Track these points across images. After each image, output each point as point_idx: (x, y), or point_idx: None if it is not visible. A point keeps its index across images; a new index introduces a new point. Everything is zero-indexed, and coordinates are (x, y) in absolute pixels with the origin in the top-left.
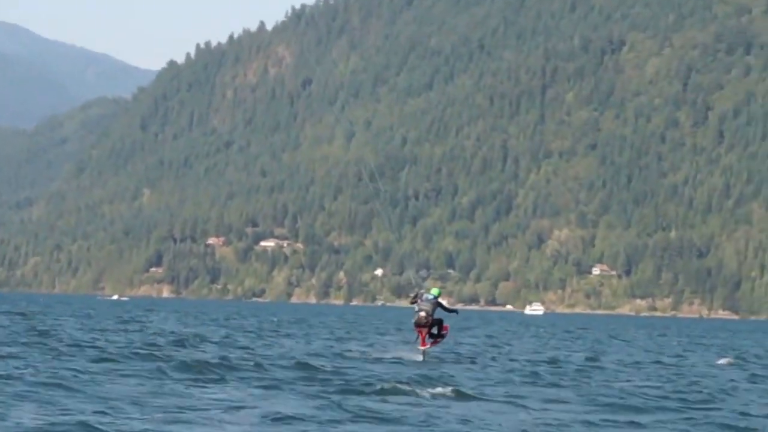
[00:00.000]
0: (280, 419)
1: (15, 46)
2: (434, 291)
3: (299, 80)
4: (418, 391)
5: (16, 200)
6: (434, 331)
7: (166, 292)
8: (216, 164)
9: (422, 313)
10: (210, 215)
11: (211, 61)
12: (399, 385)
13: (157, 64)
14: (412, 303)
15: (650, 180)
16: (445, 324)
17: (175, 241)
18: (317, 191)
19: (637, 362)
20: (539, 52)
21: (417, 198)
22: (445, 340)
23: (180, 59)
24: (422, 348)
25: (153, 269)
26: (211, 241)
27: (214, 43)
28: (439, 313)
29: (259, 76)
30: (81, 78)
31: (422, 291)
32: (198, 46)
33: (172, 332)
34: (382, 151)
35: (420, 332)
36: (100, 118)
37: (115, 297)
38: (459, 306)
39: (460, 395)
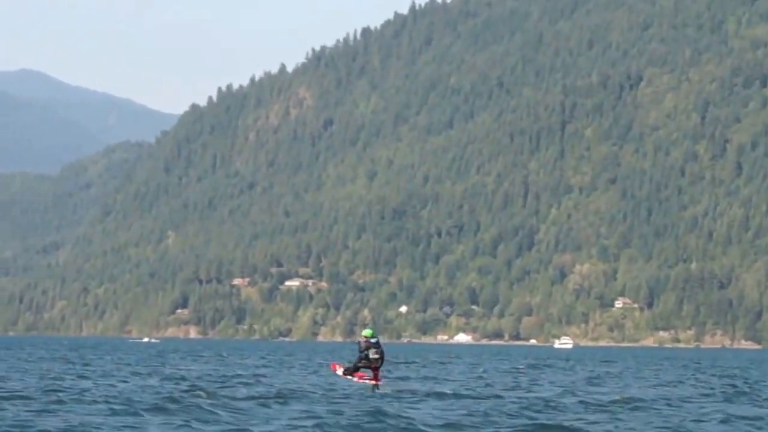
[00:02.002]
0: None
1: (38, 92)
2: (368, 332)
3: (321, 121)
4: None
5: (42, 245)
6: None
7: (192, 333)
8: (240, 206)
9: (377, 356)
10: (235, 256)
11: (233, 104)
12: None
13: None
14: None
15: (670, 213)
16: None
17: (200, 282)
18: (341, 230)
19: None
20: (558, 88)
21: (439, 235)
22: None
23: (202, 102)
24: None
25: (179, 311)
26: (236, 281)
27: (235, 86)
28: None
29: (280, 117)
30: (104, 123)
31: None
32: (219, 89)
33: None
34: (404, 189)
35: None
36: (123, 162)
37: (146, 339)
38: (484, 341)
39: None
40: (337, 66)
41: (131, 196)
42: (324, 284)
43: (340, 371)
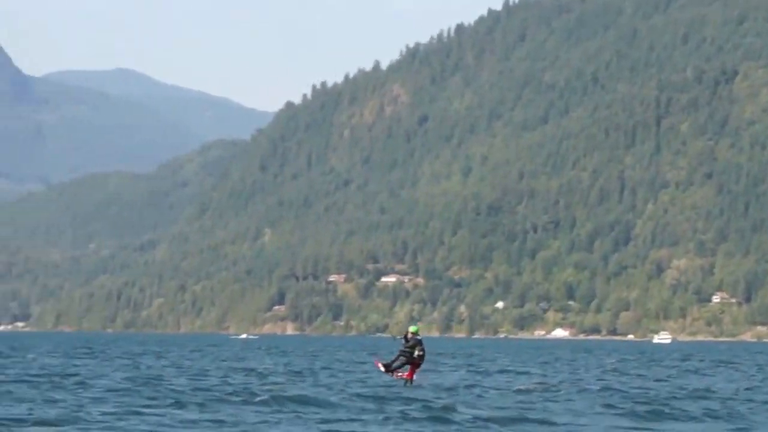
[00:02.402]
0: None
1: (135, 91)
2: (414, 328)
3: (415, 118)
4: None
5: (139, 243)
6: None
7: (289, 330)
8: (335, 203)
9: (421, 352)
10: (331, 253)
11: (327, 102)
12: None
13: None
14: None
15: (767, 207)
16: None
17: (297, 279)
18: (436, 226)
19: None
20: (653, 83)
21: (535, 230)
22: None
23: (297, 100)
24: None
25: (276, 307)
26: (332, 278)
27: (330, 84)
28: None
29: (375, 114)
30: (200, 121)
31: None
32: (314, 86)
33: None
34: (500, 185)
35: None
36: (219, 160)
37: (244, 336)
38: (581, 336)
39: None
40: (431, 63)
41: (227, 194)
42: (420, 280)
43: (381, 368)
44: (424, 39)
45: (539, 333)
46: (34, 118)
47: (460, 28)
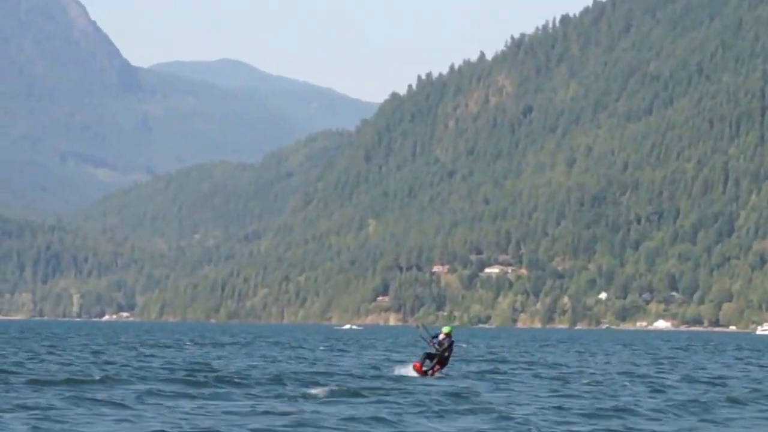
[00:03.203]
0: None
1: (241, 82)
2: (448, 329)
3: (520, 108)
4: None
5: (244, 233)
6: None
7: (392, 320)
8: (439, 193)
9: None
10: (435, 243)
11: (432, 92)
12: None
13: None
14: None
15: None
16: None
17: (400, 269)
18: (540, 217)
19: None
20: (758, 74)
21: (639, 222)
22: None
23: (402, 91)
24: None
25: (380, 298)
26: (436, 269)
27: (435, 74)
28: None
29: (480, 105)
30: (305, 112)
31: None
32: (419, 77)
33: None
34: (604, 176)
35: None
36: (324, 151)
37: (347, 326)
38: (683, 328)
39: None
40: (536, 53)
41: (332, 185)
42: (523, 271)
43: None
44: (529, 30)
45: (641, 324)
46: (141, 109)
47: (565, 18)
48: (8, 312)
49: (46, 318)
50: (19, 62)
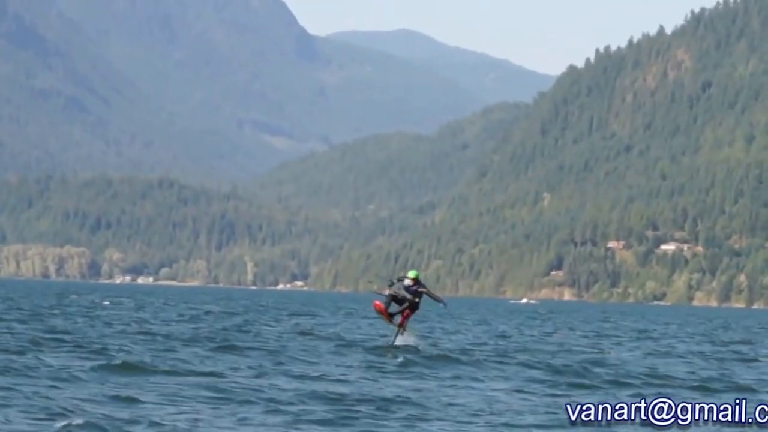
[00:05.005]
0: None
1: (418, 52)
2: (411, 273)
3: (699, 83)
4: None
5: (419, 204)
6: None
7: (567, 296)
8: (616, 168)
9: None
10: (610, 219)
11: (610, 66)
12: None
13: (555, 69)
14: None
15: None
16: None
17: (575, 244)
18: (717, 194)
19: None
20: None
21: None
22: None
23: (580, 64)
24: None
25: (554, 272)
26: (611, 244)
27: (613, 48)
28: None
29: (658, 80)
30: (481, 83)
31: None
32: (597, 50)
33: None
34: None
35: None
36: (500, 123)
37: (524, 301)
38: None
39: None
40: (716, 28)
41: (508, 157)
42: (700, 248)
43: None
44: (709, 4)
45: None
46: (317, 78)
47: None
48: (183, 278)
49: (221, 285)
50: (197, 29)
